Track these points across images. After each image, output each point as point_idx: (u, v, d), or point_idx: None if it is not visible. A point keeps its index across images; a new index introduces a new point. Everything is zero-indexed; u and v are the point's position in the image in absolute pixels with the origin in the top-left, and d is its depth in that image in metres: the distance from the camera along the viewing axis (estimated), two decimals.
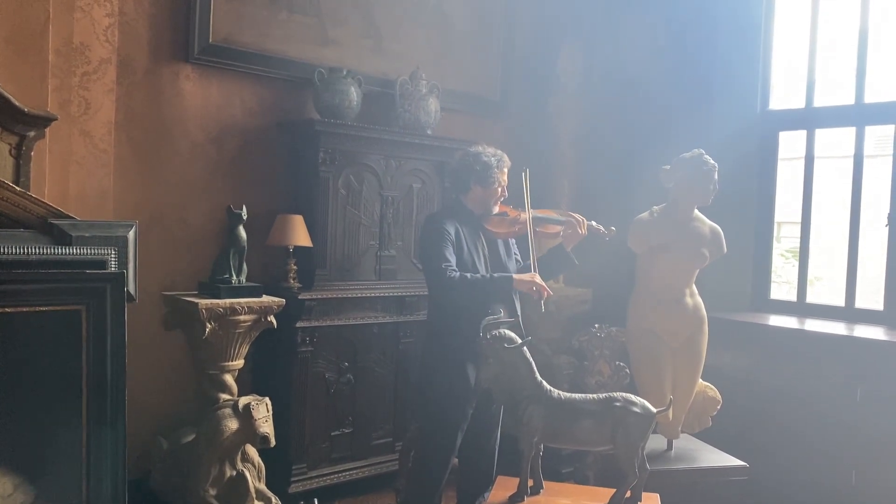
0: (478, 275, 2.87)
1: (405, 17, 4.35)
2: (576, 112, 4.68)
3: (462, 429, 2.95)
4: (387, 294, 3.96)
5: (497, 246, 3.06)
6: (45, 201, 2.61)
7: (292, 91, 3.97)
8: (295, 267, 3.66)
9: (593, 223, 3.10)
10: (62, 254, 2.46)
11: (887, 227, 4.00)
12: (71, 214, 2.68)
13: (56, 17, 3.06)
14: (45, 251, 2.44)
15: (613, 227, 3.16)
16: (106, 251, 2.57)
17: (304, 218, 3.67)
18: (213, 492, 3.16)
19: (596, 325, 4.08)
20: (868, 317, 4.06)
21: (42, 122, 2.85)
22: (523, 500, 2.58)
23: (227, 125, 3.78)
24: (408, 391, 4.03)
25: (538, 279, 2.85)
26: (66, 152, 3.20)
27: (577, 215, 3.07)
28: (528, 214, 2.97)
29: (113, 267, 2.56)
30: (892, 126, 4.04)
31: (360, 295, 3.87)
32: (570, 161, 4.69)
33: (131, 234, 2.66)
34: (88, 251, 2.52)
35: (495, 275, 2.90)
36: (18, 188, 2.50)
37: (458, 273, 2.82)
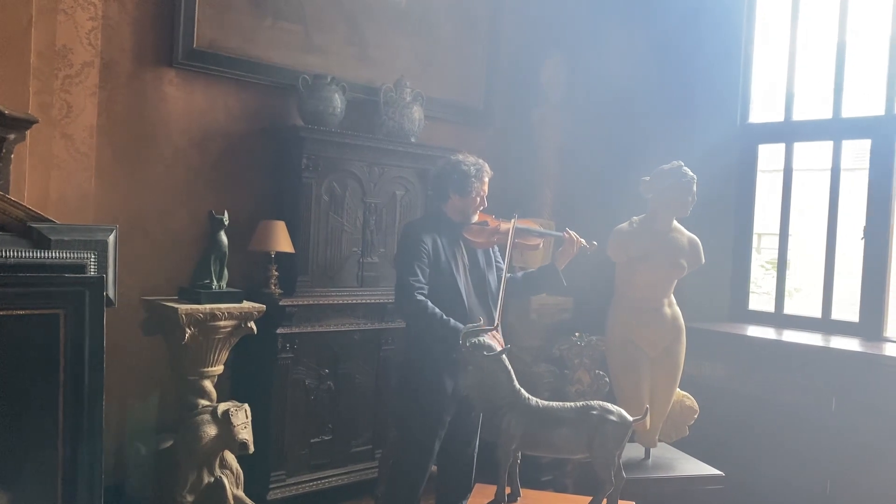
0: (437, 312, 2.80)
1: (390, 25, 4.37)
2: (559, 123, 4.72)
3: (439, 436, 2.96)
4: (369, 301, 3.96)
5: (476, 255, 3.07)
6: (25, 204, 2.60)
7: (276, 97, 3.97)
8: (276, 273, 3.66)
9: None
10: (41, 257, 2.45)
11: (863, 241, 4.06)
12: (50, 218, 2.66)
13: (39, 19, 3.04)
14: (23, 254, 2.42)
15: (595, 242, 3.18)
16: (85, 255, 2.56)
17: (287, 224, 3.67)
18: (190, 498, 3.15)
19: (576, 334, 4.12)
20: (844, 328, 4.11)
21: (22, 124, 2.83)
22: None
23: (210, 130, 3.78)
24: (388, 399, 4.03)
25: (498, 338, 2.73)
26: (46, 155, 3.18)
27: (572, 232, 3.09)
28: (508, 246, 2.96)
29: (92, 271, 2.55)
30: (869, 140, 4.11)
31: (341, 302, 3.87)
32: (553, 171, 4.73)
33: (111, 238, 2.65)
34: (67, 255, 2.51)
35: (451, 322, 2.79)
36: None
37: (423, 298, 2.82)
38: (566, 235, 3.10)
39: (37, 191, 3.11)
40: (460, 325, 2.77)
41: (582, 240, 3.14)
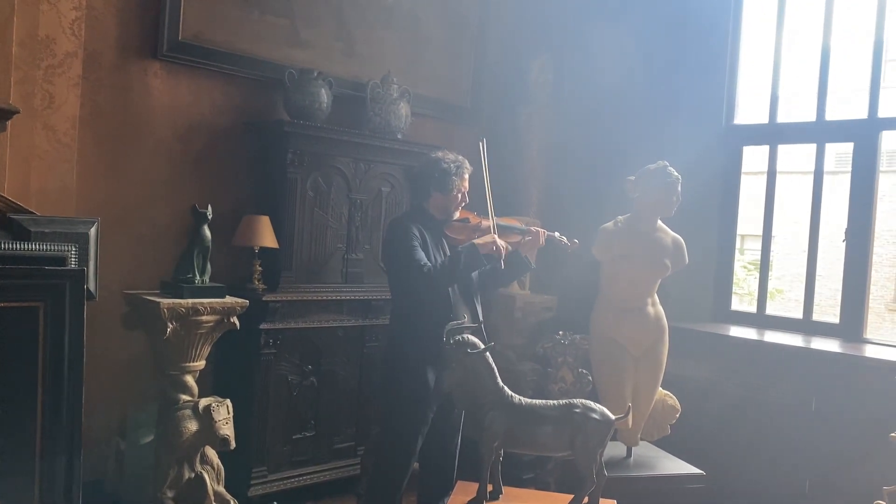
0: (444, 261, 2.90)
1: (378, 21, 4.35)
2: (545, 122, 4.72)
3: (422, 433, 2.96)
4: (353, 297, 3.95)
5: None
6: (5, 195, 2.57)
7: (262, 91, 3.95)
8: (260, 268, 3.64)
9: (556, 234, 3.13)
10: (20, 249, 2.43)
11: (844, 243, 4.10)
12: (31, 210, 2.64)
13: (21, 8, 3.01)
14: (2, 246, 2.39)
15: (576, 240, 3.19)
16: (66, 248, 2.54)
17: (271, 219, 3.65)
18: (170, 494, 3.12)
19: (560, 332, 4.13)
20: (825, 329, 4.15)
21: (3, 114, 2.80)
22: None
23: (194, 123, 3.75)
24: (372, 395, 4.02)
25: (499, 240, 2.91)
26: (27, 146, 3.14)
27: (536, 228, 3.11)
28: (489, 202, 2.98)
29: (73, 264, 2.53)
30: (851, 144, 4.14)
31: (325, 298, 3.85)
32: (539, 169, 4.74)
33: (93, 231, 2.63)
34: (48, 247, 2.49)
35: (458, 248, 2.92)
36: None
37: (427, 267, 2.85)
38: (532, 230, 3.10)
39: (17, 182, 3.07)
40: (466, 244, 2.91)
41: (563, 238, 3.15)
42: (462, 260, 2.87)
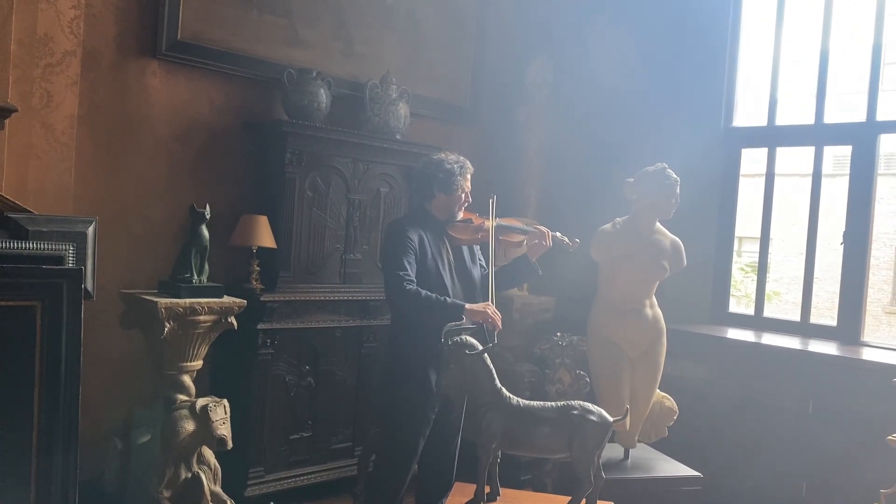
0: (432, 295, 2.81)
1: (376, 21, 4.35)
2: (544, 123, 4.73)
3: (424, 434, 2.95)
4: (351, 298, 3.95)
5: (462, 252, 3.08)
6: (2, 194, 2.56)
7: (261, 91, 3.94)
8: (258, 268, 3.63)
9: (557, 234, 3.15)
10: (18, 248, 2.42)
11: (842, 246, 4.10)
12: (28, 208, 2.63)
13: (20, 6, 3.00)
14: None
15: (577, 239, 3.20)
16: (64, 247, 2.53)
17: (269, 219, 3.65)
18: (167, 494, 3.12)
19: (558, 334, 4.13)
20: (822, 332, 4.15)
21: (1, 113, 2.79)
22: None
23: (193, 123, 3.74)
24: (369, 396, 4.02)
25: (491, 309, 2.80)
26: (25, 145, 3.13)
27: (542, 227, 3.11)
28: (491, 235, 2.98)
29: (70, 263, 2.52)
30: (850, 147, 4.14)
31: (323, 298, 3.85)
32: (537, 170, 4.74)
33: (90, 230, 2.62)
34: (45, 246, 2.48)
35: (448, 300, 2.83)
36: None
37: (414, 286, 2.81)
38: (536, 229, 3.12)
39: (15, 181, 3.06)
40: (458, 301, 2.83)
41: (564, 237, 3.16)
42: (441, 313, 2.77)
